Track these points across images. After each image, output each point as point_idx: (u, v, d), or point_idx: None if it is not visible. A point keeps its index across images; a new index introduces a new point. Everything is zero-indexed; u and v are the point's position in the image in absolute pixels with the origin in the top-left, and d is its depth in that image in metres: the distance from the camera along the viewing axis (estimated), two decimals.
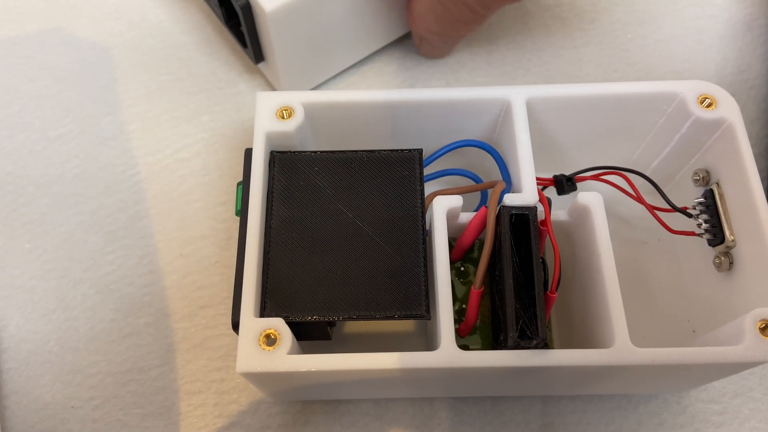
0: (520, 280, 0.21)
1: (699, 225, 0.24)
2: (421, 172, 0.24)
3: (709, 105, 0.24)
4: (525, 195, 0.22)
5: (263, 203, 0.24)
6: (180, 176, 0.32)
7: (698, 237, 0.24)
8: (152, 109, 0.33)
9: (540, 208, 0.22)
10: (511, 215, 0.22)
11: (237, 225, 0.30)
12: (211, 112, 0.33)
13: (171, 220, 0.31)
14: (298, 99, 0.25)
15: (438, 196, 0.23)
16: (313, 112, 0.25)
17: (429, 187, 0.25)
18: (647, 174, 0.25)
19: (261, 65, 0.32)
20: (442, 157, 0.26)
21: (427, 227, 0.24)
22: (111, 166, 0.32)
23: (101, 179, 0.31)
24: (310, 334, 0.24)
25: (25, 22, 0.35)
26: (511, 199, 0.22)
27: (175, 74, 0.34)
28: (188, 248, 0.30)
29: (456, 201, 0.23)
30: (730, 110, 0.24)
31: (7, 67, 0.34)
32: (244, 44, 0.31)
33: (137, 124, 0.33)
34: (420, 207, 0.23)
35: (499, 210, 0.22)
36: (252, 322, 0.21)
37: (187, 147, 0.32)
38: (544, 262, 0.21)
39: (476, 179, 0.27)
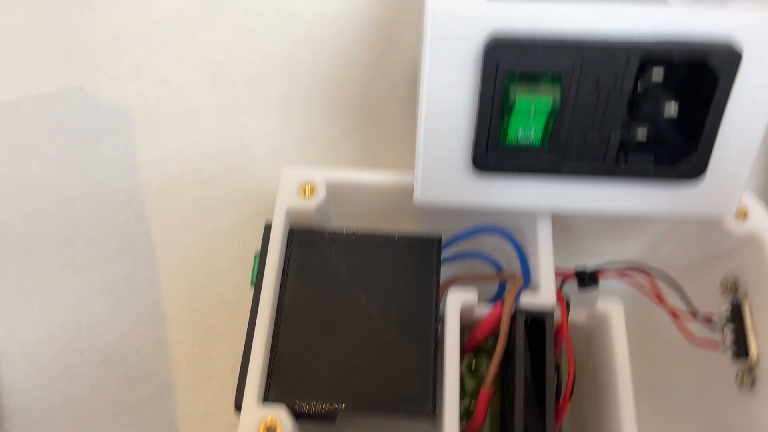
0: (531, 387, 0.20)
1: (723, 337, 0.23)
2: (439, 261, 0.24)
3: (741, 215, 0.23)
4: (542, 296, 0.22)
5: (277, 282, 0.23)
6: (191, 241, 0.31)
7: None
8: (168, 171, 0.33)
9: (558, 311, 0.22)
10: (527, 319, 0.21)
11: (246, 294, 0.30)
12: (225, 176, 0.33)
13: (180, 286, 0.30)
14: (322, 176, 0.25)
15: (452, 288, 0.22)
16: (336, 190, 0.25)
17: (447, 269, 0.25)
18: (674, 274, 0.24)
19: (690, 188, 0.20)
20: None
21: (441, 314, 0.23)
22: (124, 230, 0.32)
23: (114, 244, 0.31)
24: (314, 416, 0.23)
25: (48, 81, 0.36)
26: (527, 301, 0.21)
27: (191, 138, 0.34)
28: (196, 316, 0.30)
29: (471, 295, 0.22)
30: (761, 223, 0.23)
31: (28, 125, 0.34)
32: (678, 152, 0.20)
33: (152, 187, 0.33)
34: (435, 298, 0.23)
35: (515, 311, 0.22)
36: (253, 411, 0.21)
37: (200, 211, 0.32)
38: (558, 368, 0.21)
39: (496, 264, 0.26)
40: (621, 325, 0.21)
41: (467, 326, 0.24)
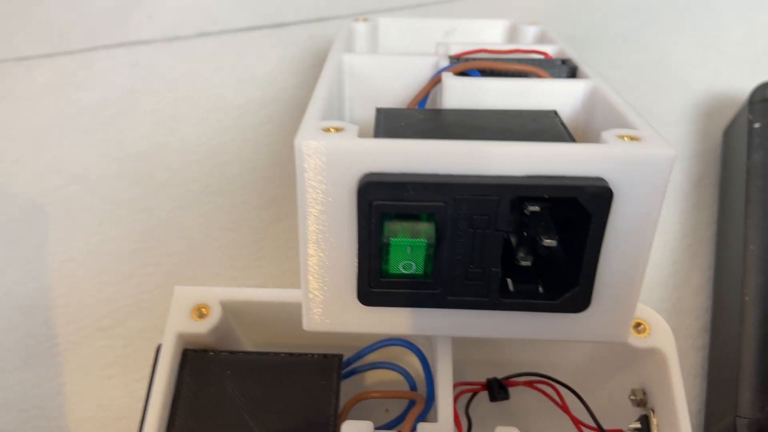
0: None
1: None
2: (338, 382, 0.23)
3: (642, 330, 0.23)
4: (440, 426, 0.21)
5: (163, 410, 0.22)
6: (100, 347, 0.30)
7: None
8: (79, 271, 0.32)
9: None
10: None
11: None
12: (141, 275, 0.32)
13: (86, 397, 0.29)
14: (216, 296, 0.24)
15: (346, 423, 0.21)
16: (232, 309, 0.24)
17: (360, 379, 0.24)
18: (584, 384, 0.24)
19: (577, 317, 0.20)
20: None
21: None
22: (30, 337, 0.30)
23: (20, 351, 0.30)
24: None
25: None
26: (425, 427, 0.21)
27: (107, 234, 0.33)
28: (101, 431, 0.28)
29: (366, 428, 0.21)
30: (662, 339, 0.22)
31: None
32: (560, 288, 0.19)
33: (62, 289, 0.32)
34: (332, 424, 0.22)
35: None
36: None
37: (111, 314, 0.31)
38: None
39: (406, 375, 0.25)
40: None
41: None
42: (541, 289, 0.20)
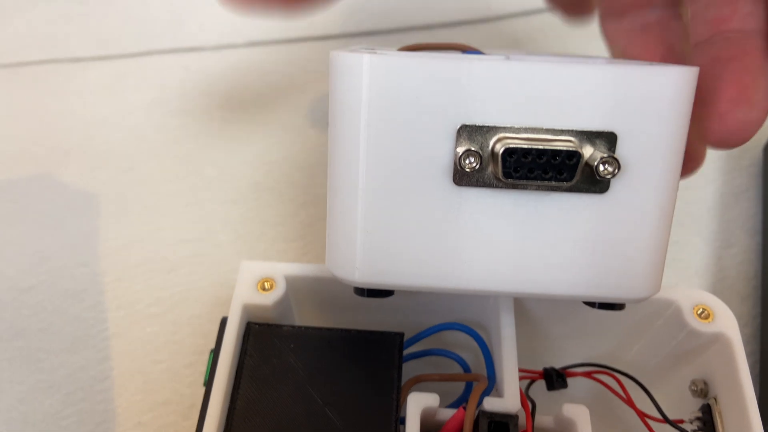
0: None
1: None
2: (400, 360, 0.23)
3: (706, 317, 0.23)
4: (507, 401, 0.21)
5: (230, 381, 0.22)
6: (149, 333, 0.30)
7: None
8: (130, 259, 0.32)
9: (522, 415, 0.21)
10: (490, 423, 0.20)
11: (201, 392, 0.29)
12: (189, 265, 0.32)
13: (133, 382, 0.29)
14: (282, 271, 0.24)
15: (413, 392, 0.21)
16: (296, 284, 0.25)
17: (414, 365, 0.24)
18: (643, 376, 0.23)
19: None
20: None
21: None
22: (78, 320, 0.30)
23: (67, 334, 0.30)
24: None
25: (14, 166, 0.35)
26: (491, 404, 0.20)
27: (157, 224, 0.34)
28: (148, 415, 0.28)
29: (432, 399, 0.21)
30: (727, 324, 0.22)
31: None
32: None
33: (112, 275, 0.32)
34: (395, 399, 0.22)
35: (478, 414, 0.20)
36: None
37: (161, 301, 0.31)
38: None
39: (461, 362, 0.25)
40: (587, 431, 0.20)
41: (431, 430, 0.23)
42: None
